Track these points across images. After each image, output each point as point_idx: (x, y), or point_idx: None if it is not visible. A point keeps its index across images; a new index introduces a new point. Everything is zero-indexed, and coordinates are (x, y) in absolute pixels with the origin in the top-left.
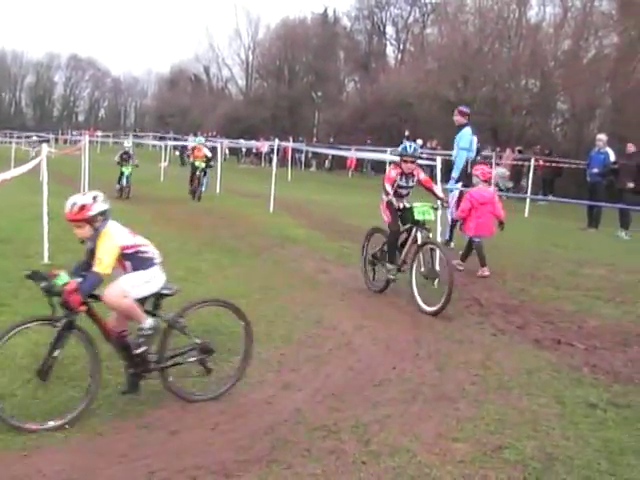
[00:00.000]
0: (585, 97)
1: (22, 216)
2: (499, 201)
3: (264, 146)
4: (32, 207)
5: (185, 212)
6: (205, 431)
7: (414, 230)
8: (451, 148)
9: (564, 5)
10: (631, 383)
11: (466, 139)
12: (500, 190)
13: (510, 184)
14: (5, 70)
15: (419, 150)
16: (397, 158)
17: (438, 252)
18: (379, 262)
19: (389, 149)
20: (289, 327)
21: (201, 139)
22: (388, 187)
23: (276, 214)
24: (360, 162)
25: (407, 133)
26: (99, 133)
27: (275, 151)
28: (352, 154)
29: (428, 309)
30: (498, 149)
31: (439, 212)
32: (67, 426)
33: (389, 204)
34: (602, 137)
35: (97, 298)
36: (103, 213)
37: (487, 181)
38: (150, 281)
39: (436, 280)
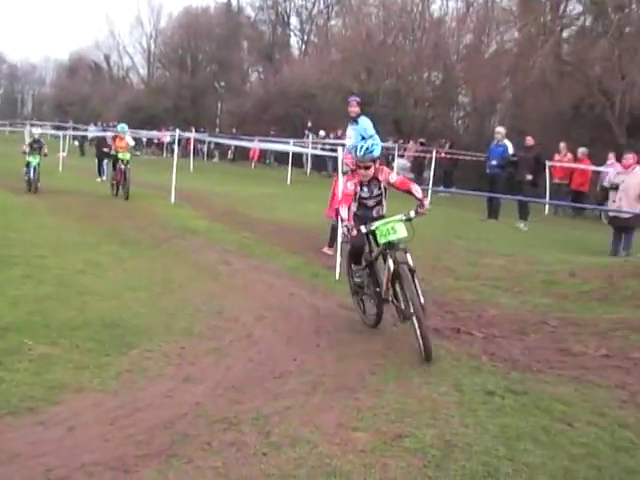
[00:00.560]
0: (486, 91)
1: None
2: None
3: (165, 136)
4: None
5: (84, 204)
6: (103, 426)
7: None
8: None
9: (467, 0)
10: (528, 370)
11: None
12: None
13: (411, 175)
14: None
15: (377, 148)
16: (297, 148)
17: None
18: (364, 293)
19: (292, 140)
20: (190, 319)
21: (124, 126)
22: (343, 212)
23: (177, 205)
24: (263, 153)
25: (310, 124)
26: None
27: (177, 141)
28: (255, 145)
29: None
30: (401, 141)
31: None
32: None
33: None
34: (500, 130)
35: None
36: None
37: None
38: None
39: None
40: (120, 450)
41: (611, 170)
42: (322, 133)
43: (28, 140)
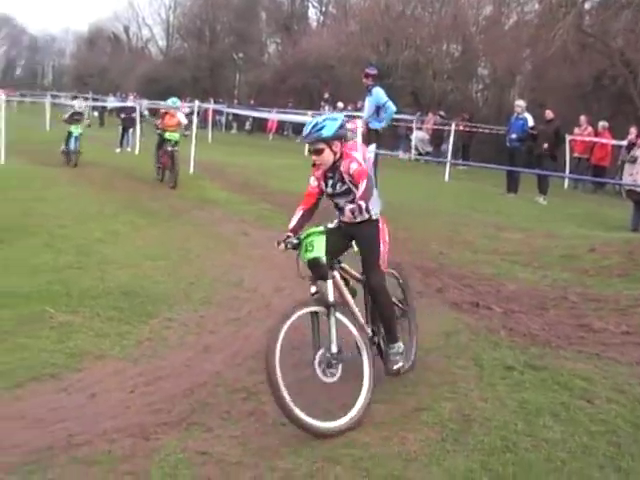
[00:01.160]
0: (506, 63)
1: None
2: None
3: (184, 107)
4: None
5: (104, 174)
6: (124, 394)
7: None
8: None
9: None
10: (547, 346)
11: (381, 96)
12: (420, 154)
13: (429, 148)
14: None
15: (329, 125)
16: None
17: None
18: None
19: (310, 112)
20: (209, 289)
21: (176, 101)
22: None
23: (196, 176)
24: (281, 124)
25: (326, 95)
26: (16, 93)
27: (195, 113)
28: (273, 116)
29: None
30: (419, 113)
31: None
32: None
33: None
34: (520, 103)
35: None
36: None
37: None
38: None
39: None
40: (140, 417)
41: None
42: (340, 105)
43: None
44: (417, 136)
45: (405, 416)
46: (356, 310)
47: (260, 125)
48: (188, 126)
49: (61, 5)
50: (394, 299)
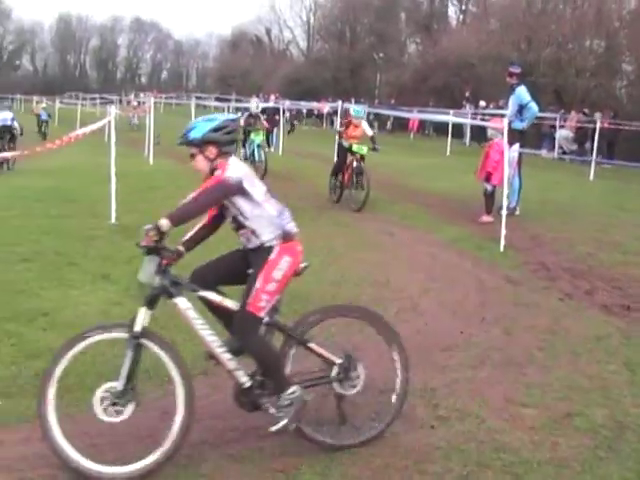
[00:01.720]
0: None
1: (90, 177)
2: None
3: (325, 107)
4: (99, 168)
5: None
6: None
7: None
8: None
9: None
10: None
11: (524, 96)
12: (564, 153)
13: (574, 146)
14: (70, 34)
15: (197, 127)
16: (456, 119)
17: None
18: None
19: (452, 111)
20: (355, 289)
21: (359, 111)
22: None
23: None
24: (422, 124)
25: (467, 94)
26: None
27: (338, 113)
28: (414, 116)
29: None
30: (562, 111)
31: None
32: None
33: None
34: None
35: None
36: None
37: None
38: None
39: None
40: None
41: None
42: (482, 103)
43: (253, 110)
44: (561, 134)
45: (556, 421)
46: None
47: (401, 124)
48: (375, 139)
49: (205, 10)
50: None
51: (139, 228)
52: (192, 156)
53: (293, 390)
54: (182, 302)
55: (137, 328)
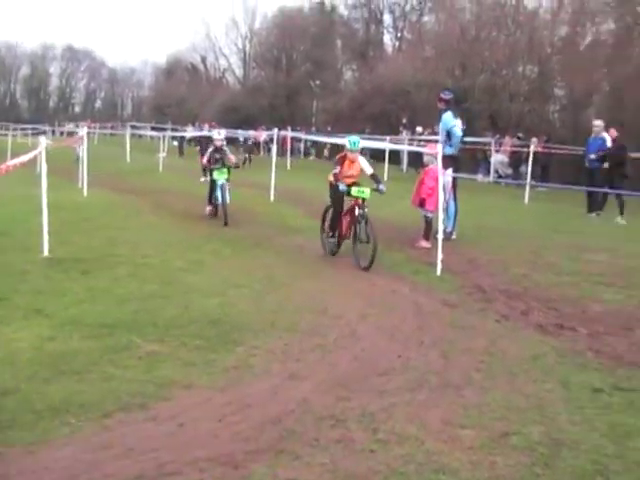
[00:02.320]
0: (583, 83)
1: (21, 210)
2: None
3: (262, 135)
4: (31, 200)
5: (185, 202)
6: (212, 422)
7: None
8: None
9: None
10: (635, 367)
11: (446, 123)
12: (499, 177)
13: (509, 171)
14: None
15: None
16: (393, 145)
17: None
18: None
19: (388, 137)
20: (293, 317)
21: (356, 142)
22: None
23: (277, 203)
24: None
25: (404, 121)
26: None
27: (275, 140)
28: None
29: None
30: (497, 136)
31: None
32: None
33: None
34: (599, 123)
35: None
36: None
37: None
38: None
39: None
40: (230, 446)
41: None
42: (419, 129)
43: (210, 149)
44: (496, 159)
45: (494, 441)
46: None
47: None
48: (378, 177)
49: (139, 38)
50: None
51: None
52: None
53: None
54: None
55: None
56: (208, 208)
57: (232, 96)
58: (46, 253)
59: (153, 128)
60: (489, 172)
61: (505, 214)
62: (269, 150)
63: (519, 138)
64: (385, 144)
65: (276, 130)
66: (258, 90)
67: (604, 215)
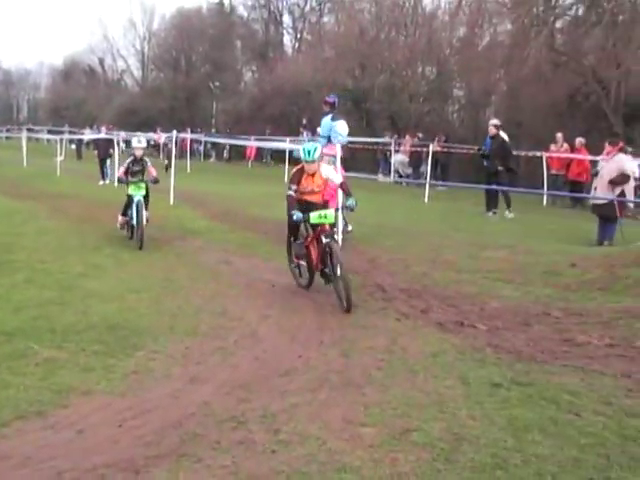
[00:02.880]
0: (480, 83)
1: None
2: None
3: (161, 137)
4: None
5: (83, 207)
6: (112, 428)
7: None
8: (350, 135)
9: None
10: (533, 361)
11: (324, 127)
12: (400, 177)
13: (409, 170)
14: None
15: None
16: (293, 146)
17: None
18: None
19: (288, 138)
20: (193, 320)
21: (312, 148)
22: None
23: (176, 206)
24: (260, 152)
25: (305, 121)
26: None
27: (174, 142)
28: (252, 144)
29: None
30: (397, 136)
31: None
32: None
33: None
34: (495, 122)
35: None
36: None
37: None
38: None
39: None
40: (130, 451)
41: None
42: (319, 130)
43: (128, 160)
44: (396, 159)
45: (395, 438)
46: None
47: (238, 153)
48: (347, 187)
49: (35, 39)
50: None
51: None
52: None
53: None
54: None
55: None
56: (120, 218)
57: (131, 98)
58: None
59: (50, 131)
60: (390, 172)
61: (406, 213)
62: (169, 152)
63: (419, 138)
64: (285, 145)
65: (174, 132)
66: (157, 92)
67: (499, 212)
